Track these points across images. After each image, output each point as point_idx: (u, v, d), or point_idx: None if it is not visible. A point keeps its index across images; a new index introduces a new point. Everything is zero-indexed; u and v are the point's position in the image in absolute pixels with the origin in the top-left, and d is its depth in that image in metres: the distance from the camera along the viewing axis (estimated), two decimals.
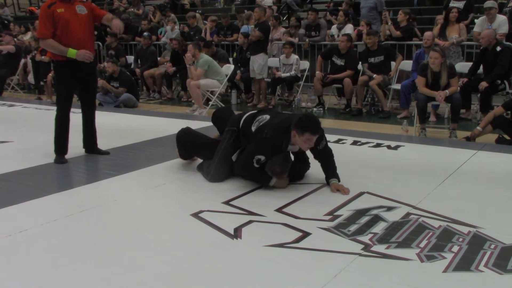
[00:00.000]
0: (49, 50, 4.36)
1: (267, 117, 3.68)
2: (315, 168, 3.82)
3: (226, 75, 7.95)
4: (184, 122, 5.22)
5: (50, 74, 9.18)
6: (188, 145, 4.10)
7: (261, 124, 3.63)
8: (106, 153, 4.72)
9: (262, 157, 3.50)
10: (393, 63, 7.46)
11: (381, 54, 7.25)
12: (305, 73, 8.26)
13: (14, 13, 17.71)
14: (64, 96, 4.47)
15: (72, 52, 4.25)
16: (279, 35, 8.95)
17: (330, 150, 3.72)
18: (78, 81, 4.47)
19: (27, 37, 11.73)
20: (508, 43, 6.72)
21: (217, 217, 3.08)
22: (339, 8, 9.64)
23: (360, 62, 7.53)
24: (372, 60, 7.28)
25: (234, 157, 3.76)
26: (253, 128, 3.66)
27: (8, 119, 7.00)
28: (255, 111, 3.95)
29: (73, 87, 4.52)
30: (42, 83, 9.65)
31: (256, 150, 3.52)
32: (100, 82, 7.72)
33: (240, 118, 3.84)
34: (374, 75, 7.11)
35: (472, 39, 7.38)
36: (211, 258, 2.54)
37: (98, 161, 4.56)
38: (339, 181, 3.63)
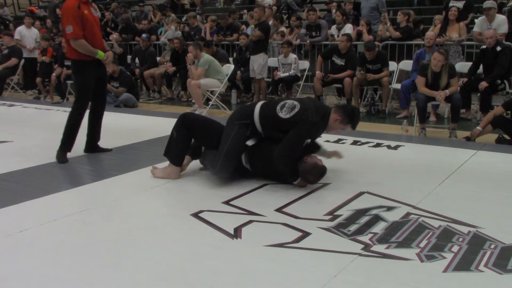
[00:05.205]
0: (80, 50, 4.40)
1: (294, 102, 3.58)
2: None
3: (227, 75, 7.95)
4: None
5: (53, 74, 9.17)
6: (196, 123, 3.87)
7: (296, 109, 3.52)
8: (108, 150, 4.81)
9: (309, 140, 3.57)
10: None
11: (378, 62, 7.27)
12: (305, 73, 8.27)
13: (14, 13, 17.71)
14: (87, 95, 4.57)
15: (101, 54, 4.46)
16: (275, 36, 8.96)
17: None
18: (96, 80, 4.60)
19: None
20: (508, 43, 6.72)
21: (217, 217, 3.08)
22: (342, 7, 9.65)
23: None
24: (370, 66, 7.32)
25: (250, 142, 3.65)
26: (283, 114, 3.52)
27: (8, 119, 7.01)
28: (263, 101, 3.78)
29: (93, 86, 4.64)
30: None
31: (306, 134, 3.53)
32: None
33: (252, 110, 3.67)
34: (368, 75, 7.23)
35: (472, 39, 7.39)
36: (211, 258, 2.54)
37: (98, 161, 4.57)
38: None
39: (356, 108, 3.79)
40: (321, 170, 3.60)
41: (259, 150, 3.69)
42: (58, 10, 13.94)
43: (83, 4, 4.38)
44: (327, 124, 3.64)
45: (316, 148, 3.97)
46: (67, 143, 4.52)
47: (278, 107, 3.59)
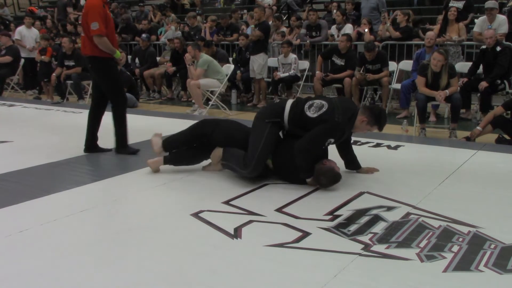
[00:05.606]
0: (101, 47, 4.47)
1: (322, 102, 3.61)
2: None
3: (226, 75, 7.95)
4: (184, 122, 5.21)
5: (53, 74, 9.17)
6: (212, 124, 3.98)
7: (324, 109, 3.55)
8: (108, 150, 4.82)
9: (332, 140, 3.60)
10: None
11: (378, 62, 7.28)
12: (305, 73, 8.27)
13: (14, 13, 17.71)
14: (121, 88, 4.72)
15: (118, 54, 4.62)
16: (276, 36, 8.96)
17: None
18: None
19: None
20: (508, 43, 6.72)
21: (217, 217, 3.08)
22: (342, 7, 9.65)
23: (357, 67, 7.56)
24: (370, 67, 7.33)
25: (280, 133, 3.70)
26: (311, 113, 3.55)
27: (8, 119, 7.00)
28: (293, 99, 3.82)
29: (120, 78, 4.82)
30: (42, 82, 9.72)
31: (328, 133, 3.55)
32: None
33: (283, 108, 3.69)
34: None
35: (472, 39, 7.39)
36: (211, 258, 2.54)
37: (98, 161, 4.57)
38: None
39: (383, 110, 3.83)
40: (336, 177, 3.59)
41: (284, 146, 3.69)
42: (69, 9, 14.03)
43: (106, 4, 4.53)
44: (353, 125, 3.66)
45: (357, 167, 4.01)
46: (124, 138, 4.71)
47: (306, 106, 3.62)
